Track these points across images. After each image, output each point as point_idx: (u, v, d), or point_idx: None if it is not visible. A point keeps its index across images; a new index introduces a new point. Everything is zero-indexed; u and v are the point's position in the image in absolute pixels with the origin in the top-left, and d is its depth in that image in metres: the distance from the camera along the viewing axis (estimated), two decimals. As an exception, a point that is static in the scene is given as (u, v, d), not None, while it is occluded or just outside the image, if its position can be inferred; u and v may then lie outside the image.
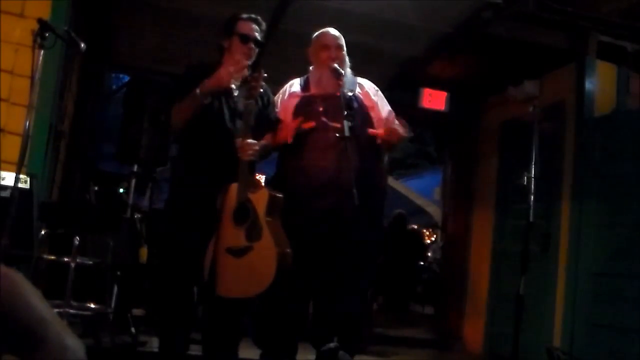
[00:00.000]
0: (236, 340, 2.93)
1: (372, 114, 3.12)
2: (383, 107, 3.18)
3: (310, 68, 3.20)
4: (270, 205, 2.74)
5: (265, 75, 2.86)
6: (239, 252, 2.68)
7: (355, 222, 2.80)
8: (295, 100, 3.12)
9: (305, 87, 3.17)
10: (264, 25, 3.03)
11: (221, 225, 2.73)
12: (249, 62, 2.96)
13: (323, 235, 2.88)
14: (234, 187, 2.75)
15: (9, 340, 0.77)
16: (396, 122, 3.07)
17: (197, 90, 2.78)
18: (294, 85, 3.20)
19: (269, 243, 2.66)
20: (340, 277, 2.93)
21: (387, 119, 3.15)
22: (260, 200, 2.72)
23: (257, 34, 2.97)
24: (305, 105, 3.09)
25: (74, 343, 0.79)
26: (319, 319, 3.08)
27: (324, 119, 2.99)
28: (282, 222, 2.82)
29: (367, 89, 3.17)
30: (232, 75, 2.81)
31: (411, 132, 3.06)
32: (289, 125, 3.05)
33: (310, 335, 3.05)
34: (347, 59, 3.14)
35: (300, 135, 3.02)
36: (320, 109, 3.02)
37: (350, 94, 3.04)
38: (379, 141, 3.02)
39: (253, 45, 2.95)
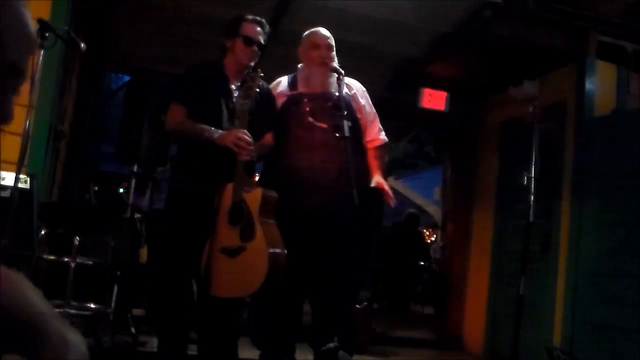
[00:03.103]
0: (233, 340, 2.93)
1: (360, 116, 3.13)
2: (370, 111, 3.21)
3: (299, 66, 3.20)
4: (264, 204, 2.73)
5: (262, 75, 2.85)
6: (233, 252, 2.68)
7: (345, 221, 2.81)
8: (281, 99, 3.12)
9: (292, 85, 3.16)
10: (267, 28, 3.02)
11: (217, 225, 2.73)
12: (251, 64, 2.96)
13: (308, 235, 2.88)
14: (230, 187, 2.74)
15: (10, 337, 0.77)
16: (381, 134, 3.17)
17: (205, 133, 2.78)
18: (281, 84, 3.19)
19: (261, 243, 2.66)
20: (331, 276, 2.93)
21: (372, 123, 3.19)
22: (254, 200, 2.72)
23: (260, 37, 2.96)
24: (291, 105, 3.08)
25: (75, 337, 0.80)
26: (317, 318, 3.08)
27: (310, 119, 2.99)
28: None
29: (356, 91, 3.17)
30: (234, 145, 2.75)
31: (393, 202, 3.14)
32: None
33: (310, 336, 3.05)
34: (336, 59, 3.13)
35: (286, 135, 3.02)
36: (307, 109, 3.02)
37: (337, 94, 3.04)
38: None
39: (256, 49, 2.95)
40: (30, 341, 0.75)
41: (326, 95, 2.98)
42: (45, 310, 0.80)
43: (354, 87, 3.19)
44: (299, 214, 2.90)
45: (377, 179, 3.05)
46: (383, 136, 3.23)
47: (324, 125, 2.92)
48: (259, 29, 2.97)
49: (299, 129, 3.00)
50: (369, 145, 3.18)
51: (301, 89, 3.11)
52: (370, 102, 3.24)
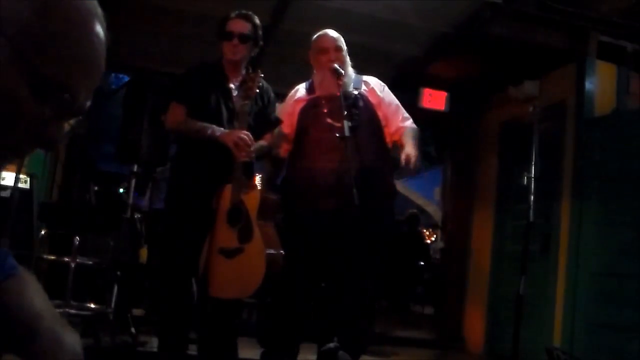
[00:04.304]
0: (232, 340, 2.93)
1: (379, 112, 3.12)
2: (390, 103, 3.16)
3: (315, 71, 3.21)
4: (262, 207, 2.73)
5: (262, 75, 2.85)
6: (230, 254, 2.68)
7: (358, 222, 2.79)
8: (300, 104, 3.13)
9: (310, 90, 3.18)
10: (256, 20, 2.99)
11: (216, 225, 2.73)
12: (237, 58, 2.95)
13: (327, 236, 2.88)
14: (229, 188, 2.75)
15: (5, 336, 0.77)
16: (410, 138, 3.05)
17: (208, 130, 2.78)
18: (299, 90, 3.22)
19: (259, 246, 2.66)
20: (342, 277, 2.94)
21: (395, 114, 3.13)
22: (252, 202, 2.72)
23: (245, 30, 2.94)
24: (310, 108, 3.10)
25: (70, 338, 0.79)
26: (322, 318, 3.09)
27: (329, 120, 3.00)
28: (288, 222, 2.82)
29: (373, 86, 3.17)
30: (235, 145, 2.74)
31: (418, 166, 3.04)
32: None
33: (314, 335, 3.05)
34: (347, 58, 3.14)
35: (307, 137, 3.03)
36: (325, 110, 3.03)
37: (355, 92, 3.05)
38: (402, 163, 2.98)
39: (238, 41, 2.93)
40: (24, 341, 0.75)
41: (342, 96, 2.97)
42: (42, 311, 0.80)
43: (371, 83, 3.18)
44: (318, 214, 2.91)
45: (406, 151, 2.95)
46: (409, 123, 3.14)
47: (342, 126, 2.92)
48: (243, 22, 2.95)
49: (318, 130, 3.02)
50: (396, 137, 3.13)
51: (318, 92, 3.13)
52: (391, 94, 3.20)
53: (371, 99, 3.11)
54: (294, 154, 3.11)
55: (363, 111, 3.02)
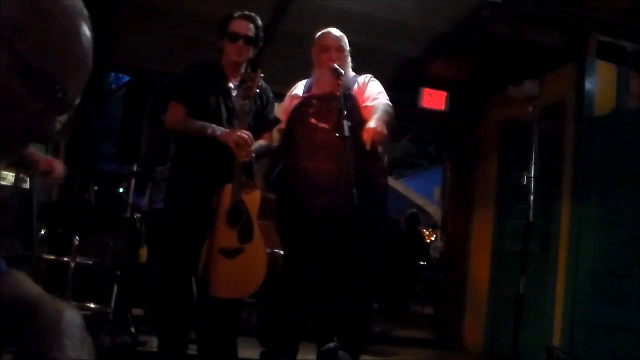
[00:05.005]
0: (232, 340, 2.93)
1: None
2: (371, 94, 3.05)
3: (315, 69, 3.20)
4: (263, 207, 2.73)
5: (262, 75, 2.85)
6: (231, 254, 2.68)
7: (354, 222, 2.79)
8: (295, 102, 3.13)
9: (308, 89, 3.17)
10: (259, 21, 3.00)
11: (216, 225, 2.73)
12: (242, 60, 2.96)
13: (319, 236, 2.88)
14: (229, 188, 2.75)
15: (7, 322, 0.77)
16: (377, 104, 2.90)
17: (209, 130, 2.78)
18: (298, 87, 3.21)
19: (260, 245, 2.66)
20: (341, 277, 2.93)
21: (368, 99, 3.01)
22: (253, 202, 2.72)
23: (250, 32, 2.95)
24: (300, 107, 3.09)
25: (70, 309, 0.80)
26: (322, 318, 3.08)
27: (313, 120, 2.99)
28: (281, 222, 2.82)
29: (361, 84, 3.14)
30: (236, 144, 2.74)
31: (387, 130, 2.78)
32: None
33: (314, 335, 3.05)
34: (349, 59, 3.13)
35: (293, 136, 3.02)
36: (311, 110, 3.02)
37: (346, 93, 3.03)
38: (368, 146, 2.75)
39: (243, 43, 2.93)
40: (26, 319, 0.75)
41: (333, 96, 2.95)
42: (40, 294, 0.81)
43: (360, 81, 3.14)
44: (306, 215, 2.90)
45: (368, 125, 2.74)
46: (380, 101, 2.96)
47: (326, 126, 2.91)
48: (247, 23, 2.95)
49: (303, 130, 3.00)
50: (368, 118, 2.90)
51: (314, 90, 3.12)
52: (376, 87, 3.08)
53: (359, 98, 3.07)
54: (281, 152, 3.10)
55: (351, 112, 2.99)
